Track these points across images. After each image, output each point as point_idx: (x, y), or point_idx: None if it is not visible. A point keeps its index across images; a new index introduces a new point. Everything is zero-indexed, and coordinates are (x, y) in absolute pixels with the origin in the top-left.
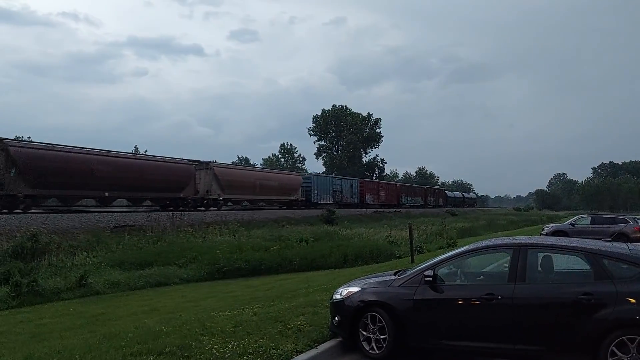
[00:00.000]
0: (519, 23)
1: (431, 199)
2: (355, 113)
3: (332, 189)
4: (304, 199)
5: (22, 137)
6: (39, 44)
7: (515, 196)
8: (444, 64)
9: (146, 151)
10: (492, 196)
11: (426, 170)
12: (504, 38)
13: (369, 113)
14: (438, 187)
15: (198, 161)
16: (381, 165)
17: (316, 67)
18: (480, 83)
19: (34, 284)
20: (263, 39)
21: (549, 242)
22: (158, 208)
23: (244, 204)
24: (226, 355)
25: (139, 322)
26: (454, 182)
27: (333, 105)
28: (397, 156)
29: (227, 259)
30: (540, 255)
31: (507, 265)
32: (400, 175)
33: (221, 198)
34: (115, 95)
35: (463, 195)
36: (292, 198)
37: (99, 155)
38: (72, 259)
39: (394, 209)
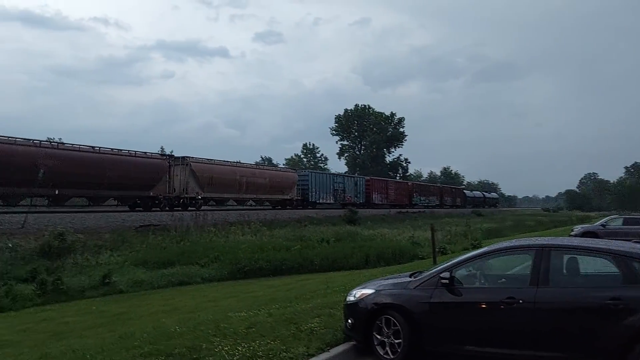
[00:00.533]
0: (545, 21)
1: (447, 198)
2: (378, 112)
3: (333, 187)
4: (299, 197)
5: (53, 138)
6: (72, 49)
7: (544, 196)
8: (470, 63)
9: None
10: (519, 196)
11: (451, 170)
12: (530, 36)
13: (392, 112)
14: (455, 186)
15: (172, 156)
16: (405, 165)
17: (341, 68)
18: (506, 82)
19: (59, 282)
20: (288, 41)
21: (575, 244)
22: (165, 207)
23: (228, 203)
24: (235, 358)
25: (158, 321)
26: (480, 182)
27: (356, 105)
28: (422, 156)
29: (249, 259)
30: (566, 257)
31: (529, 268)
32: (425, 175)
33: (200, 197)
34: (144, 97)
35: (484, 195)
36: (285, 197)
37: (47, 148)
38: (97, 258)
39: (405, 209)
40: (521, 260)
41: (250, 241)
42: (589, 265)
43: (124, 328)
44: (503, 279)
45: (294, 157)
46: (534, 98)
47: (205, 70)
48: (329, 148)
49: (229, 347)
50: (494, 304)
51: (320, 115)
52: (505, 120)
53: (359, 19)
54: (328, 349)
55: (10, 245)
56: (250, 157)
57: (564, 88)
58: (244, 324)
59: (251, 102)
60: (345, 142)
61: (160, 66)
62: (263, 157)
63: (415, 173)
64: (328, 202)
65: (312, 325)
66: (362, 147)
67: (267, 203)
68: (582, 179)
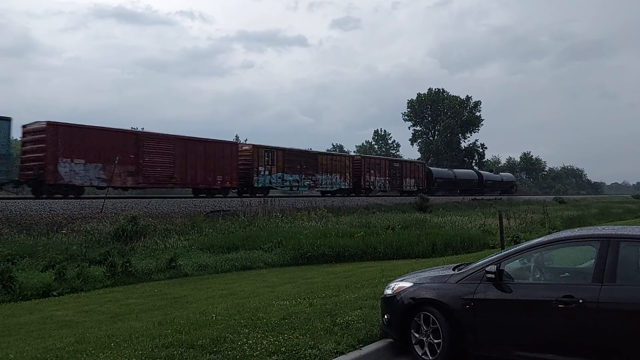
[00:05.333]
0: None
1: (396, 180)
2: (453, 96)
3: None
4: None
5: (136, 128)
6: (159, 42)
7: (634, 183)
8: (556, 42)
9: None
10: (607, 183)
11: (531, 156)
12: (621, 11)
13: (467, 96)
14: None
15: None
16: (481, 150)
17: (417, 51)
18: (596, 60)
19: (128, 264)
20: (365, 27)
21: None
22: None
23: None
24: (255, 353)
25: (211, 306)
26: (564, 167)
27: (429, 89)
28: (500, 142)
29: (311, 245)
30: (639, 249)
31: (593, 262)
32: (503, 161)
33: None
34: (224, 87)
35: (479, 175)
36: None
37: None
38: (166, 242)
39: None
40: (583, 252)
41: (315, 227)
42: None
43: (178, 312)
44: (560, 275)
45: (364, 143)
46: (626, 77)
47: (284, 60)
48: (403, 134)
49: (254, 340)
50: (549, 303)
51: (394, 101)
52: (594, 101)
53: (438, 1)
54: (360, 347)
55: (88, 228)
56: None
57: None
58: (280, 313)
59: (326, 89)
60: (418, 128)
61: (241, 57)
62: (334, 144)
63: (492, 159)
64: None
65: (350, 318)
66: (436, 132)
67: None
68: None
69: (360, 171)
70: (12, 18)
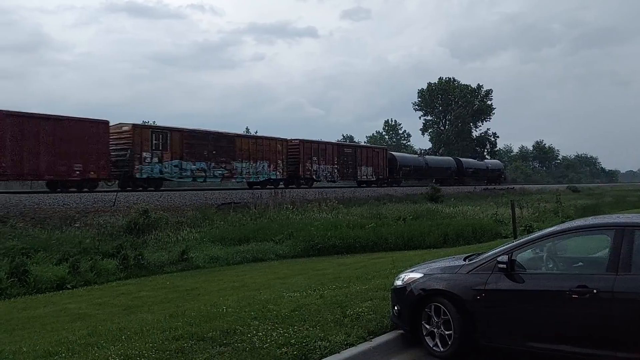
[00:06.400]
0: None
1: (348, 168)
2: (464, 85)
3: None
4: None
5: (148, 122)
6: (169, 36)
7: None
8: (568, 29)
9: (257, 132)
10: (622, 171)
11: (544, 144)
12: None
13: (478, 84)
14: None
15: None
16: (493, 139)
17: (427, 41)
18: (609, 48)
19: (140, 257)
20: (375, 17)
21: None
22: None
23: None
24: (265, 345)
25: (222, 298)
26: (577, 155)
27: (440, 78)
28: (513, 130)
29: (322, 236)
30: None
31: (607, 251)
32: (516, 149)
33: None
34: (235, 80)
35: (458, 163)
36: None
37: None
38: (177, 234)
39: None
40: (597, 242)
41: (325, 219)
42: None
43: (188, 304)
44: (573, 264)
45: (375, 134)
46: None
47: (294, 51)
48: (414, 124)
49: (263, 332)
50: (562, 293)
51: (405, 92)
52: (607, 89)
53: None
54: (370, 338)
55: (101, 222)
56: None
57: None
58: (290, 305)
59: (336, 80)
60: (428, 118)
61: (252, 49)
62: (344, 135)
63: (504, 148)
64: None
65: (360, 309)
66: (447, 122)
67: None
68: None
69: (298, 158)
70: (24, 14)
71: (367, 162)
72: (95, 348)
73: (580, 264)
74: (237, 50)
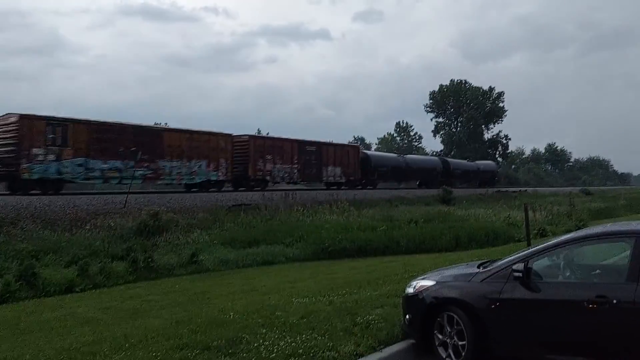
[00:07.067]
0: None
1: (311, 168)
2: (476, 87)
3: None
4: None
5: (160, 123)
6: (183, 38)
7: None
8: (582, 30)
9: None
10: (634, 173)
11: (556, 147)
12: None
13: (490, 86)
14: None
15: None
16: (505, 141)
17: (439, 42)
18: (623, 49)
19: (150, 260)
20: (387, 19)
21: None
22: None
23: None
24: (271, 356)
25: (231, 303)
26: (590, 158)
27: (451, 80)
28: (526, 133)
29: (333, 239)
30: None
31: (627, 259)
32: (528, 152)
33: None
34: (247, 82)
35: (445, 163)
36: None
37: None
38: (187, 237)
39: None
40: (616, 249)
41: (336, 221)
42: None
43: (197, 309)
44: (591, 273)
45: (386, 135)
46: None
47: (307, 53)
48: (425, 126)
49: (270, 341)
50: (580, 303)
51: (416, 93)
52: (621, 91)
53: None
54: (381, 348)
55: (112, 224)
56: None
57: None
58: (299, 312)
59: (348, 82)
60: (440, 119)
61: (264, 51)
62: (355, 136)
63: (516, 150)
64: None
65: (371, 317)
66: (459, 124)
67: None
68: None
69: (247, 157)
70: (41, 17)
71: (334, 162)
72: (98, 357)
73: (598, 272)
74: (250, 52)
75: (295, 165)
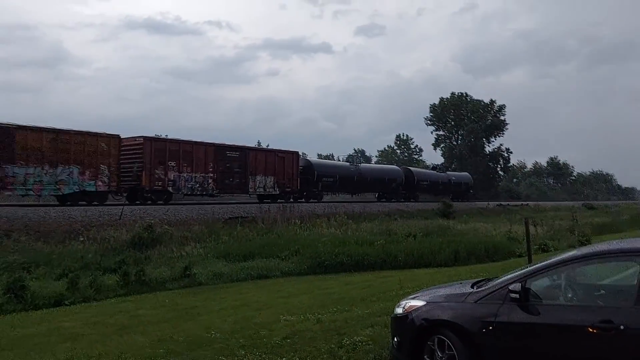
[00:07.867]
0: None
1: (233, 178)
2: (477, 100)
3: None
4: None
5: (161, 135)
6: (186, 51)
7: None
8: (583, 45)
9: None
10: (638, 188)
11: (559, 160)
12: None
13: (491, 100)
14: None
15: None
16: (506, 155)
17: (440, 56)
18: (625, 64)
19: (141, 273)
20: (389, 33)
21: None
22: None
23: None
24: None
25: (218, 320)
26: (592, 172)
27: (452, 93)
28: (528, 147)
29: (329, 253)
30: None
31: (635, 281)
32: (530, 165)
33: None
34: (249, 95)
35: (409, 174)
36: None
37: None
38: (181, 250)
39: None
40: (622, 270)
41: (333, 234)
42: None
43: (185, 325)
44: (596, 295)
45: (386, 148)
46: None
47: (308, 67)
48: (426, 139)
49: None
50: (583, 329)
51: (417, 106)
52: (625, 105)
53: (464, 6)
54: None
55: (105, 236)
56: (345, 150)
57: None
58: (284, 331)
59: (349, 95)
60: (440, 132)
61: (266, 64)
62: (356, 149)
63: (518, 163)
64: None
65: (359, 338)
66: (459, 137)
67: None
68: None
69: (141, 163)
70: (45, 31)
71: (265, 171)
72: None
73: (603, 293)
74: (252, 66)
75: (210, 174)
